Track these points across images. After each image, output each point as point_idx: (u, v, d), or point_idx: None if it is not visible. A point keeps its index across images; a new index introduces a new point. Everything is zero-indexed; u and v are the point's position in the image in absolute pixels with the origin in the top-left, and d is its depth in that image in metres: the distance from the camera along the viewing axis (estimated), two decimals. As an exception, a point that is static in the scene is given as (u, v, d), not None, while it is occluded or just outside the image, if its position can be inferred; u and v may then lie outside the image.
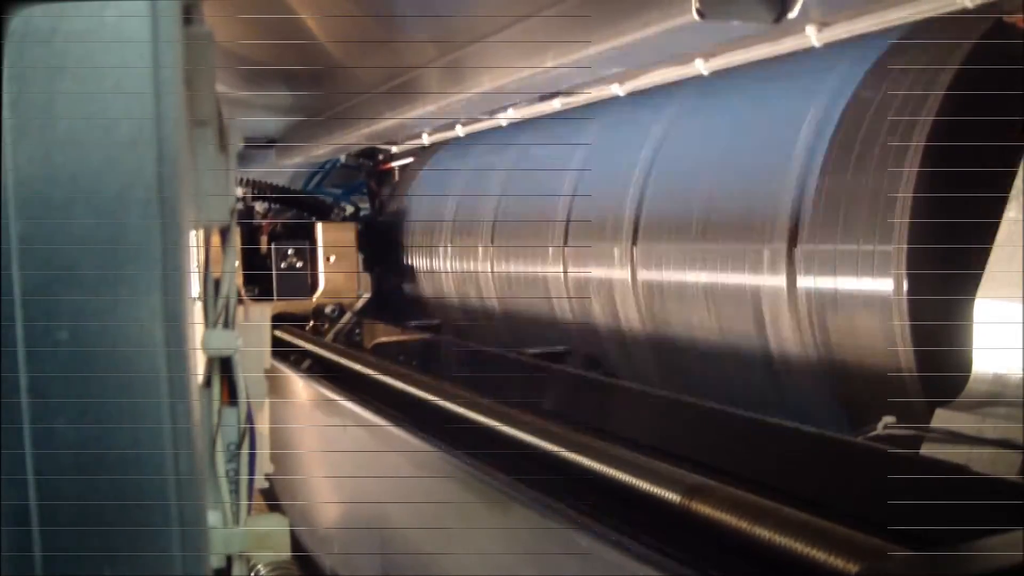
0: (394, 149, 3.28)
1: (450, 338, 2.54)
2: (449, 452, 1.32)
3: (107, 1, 0.59)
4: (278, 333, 2.82)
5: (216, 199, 0.74)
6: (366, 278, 3.12)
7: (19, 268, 0.58)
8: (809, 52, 1.51)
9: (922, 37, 1.40)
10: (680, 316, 1.79)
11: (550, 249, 2.13)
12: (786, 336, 1.53)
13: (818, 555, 0.91)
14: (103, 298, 0.59)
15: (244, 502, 0.80)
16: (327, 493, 1.86)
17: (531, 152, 2.33)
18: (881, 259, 1.33)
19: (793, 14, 1.07)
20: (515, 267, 2.24)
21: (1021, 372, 1.12)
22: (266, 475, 0.86)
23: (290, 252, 3.04)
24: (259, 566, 1.73)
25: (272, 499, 1.93)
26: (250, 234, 3.07)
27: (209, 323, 0.77)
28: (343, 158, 3.43)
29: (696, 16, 1.09)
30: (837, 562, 0.89)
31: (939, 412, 1.16)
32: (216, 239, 0.80)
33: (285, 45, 1.75)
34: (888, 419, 1.20)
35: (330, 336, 2.92)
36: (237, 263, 0.81)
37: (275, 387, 2.09)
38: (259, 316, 0.92)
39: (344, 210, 3.28)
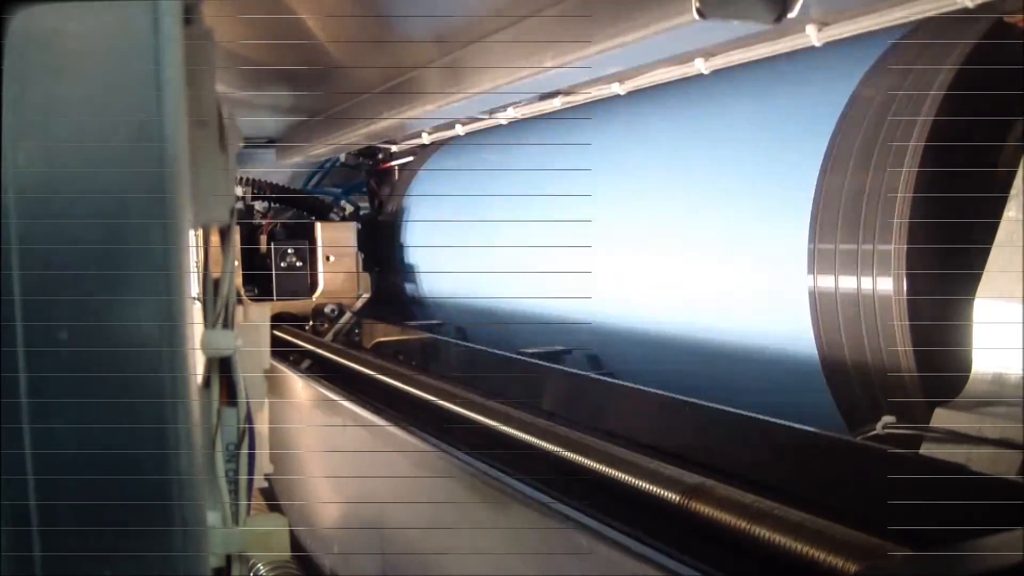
0: (394, 148, 3.28)
1: (450, 338, 2.54)
2: (449, 452, 1.32)
3: (107, 1, 0.59)
4: (278, 333, 2.82)
5: (216, 199, 0.74)
6: (366, 278, 3.12)
7: (19, 268, 0.58)
8: (809, 51, 1.51)
9: (922, 37, 1.40)
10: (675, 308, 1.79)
11: (550, 248, 2.13)
12: (788, 334, 1.53)
13: (817, 555, 0.91)
14: (103, 298, 0.59)
15: (244, 502, 0.80)
16: (327, 493, 1.86)
17: (531, 150, 2.33)
18: (881, 258, 1.33)
19: (793, 14, 1.07)
20: (515, 266, 2.24)
21: (1021, 372, 1.12)
22: (266, 475, 0.86)
23: (290, 252, 3.04)
24: (259, 566, 1.73)
25: (272, 499, 1.93)
26: (250, 234, 3.07)
27: (208, 323, 0.77)
28: (343, 157, 3.42)
29: (696, 16, 1.09)
30: (836, 562, 0.89)
31: (939, 412, 1.16)
32: (216, 239, 0.80)
33: (285, 45, 1.75)
34: (888, 419, 1.20)
35: (330, 336, 2.92)
36: (237, 263, 0.81)
37: (275, 387, 2.09)
38: (259, 316, 0.91)
39: (344, 209, 3.28)
